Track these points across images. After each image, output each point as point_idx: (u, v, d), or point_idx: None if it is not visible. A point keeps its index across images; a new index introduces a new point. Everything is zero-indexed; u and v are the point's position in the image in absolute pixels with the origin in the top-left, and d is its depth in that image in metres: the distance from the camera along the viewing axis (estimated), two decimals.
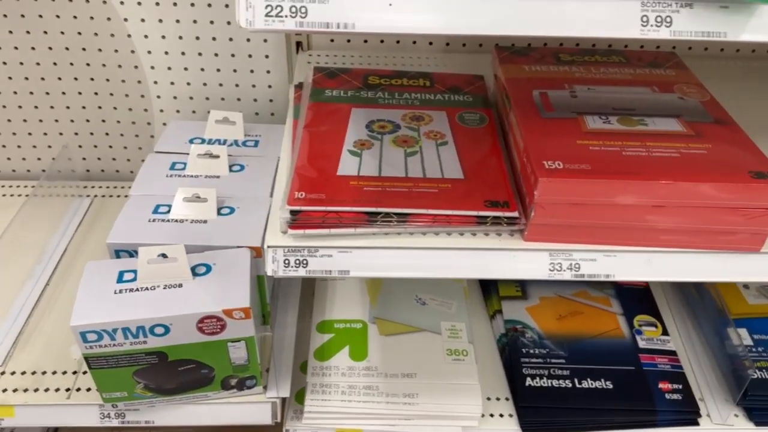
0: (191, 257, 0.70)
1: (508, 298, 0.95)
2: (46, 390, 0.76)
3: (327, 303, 0.92)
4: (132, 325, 0.66)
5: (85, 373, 0.78)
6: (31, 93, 1.03)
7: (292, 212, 0.60)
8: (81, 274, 0.70)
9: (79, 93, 1.03)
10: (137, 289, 0.69)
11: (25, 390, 0.76)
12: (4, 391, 0.76)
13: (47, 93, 1.03)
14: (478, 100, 0.80)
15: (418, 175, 0.66)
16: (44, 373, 0.78)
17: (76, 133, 1.07)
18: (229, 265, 0.71)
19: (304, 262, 0.60)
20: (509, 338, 0.89)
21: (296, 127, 0.74)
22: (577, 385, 0.83)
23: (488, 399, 0.83)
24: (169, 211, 0.78)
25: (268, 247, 0.60)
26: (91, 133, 1.08)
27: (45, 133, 1.07)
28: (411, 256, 0.61)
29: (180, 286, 0.69)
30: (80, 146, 1.09)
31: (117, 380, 0.71)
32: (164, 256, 0.69)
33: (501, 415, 0.82)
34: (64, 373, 0.78)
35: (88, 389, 0.76)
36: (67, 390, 0.76)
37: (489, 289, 0.98)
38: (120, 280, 0.70)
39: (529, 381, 0.83)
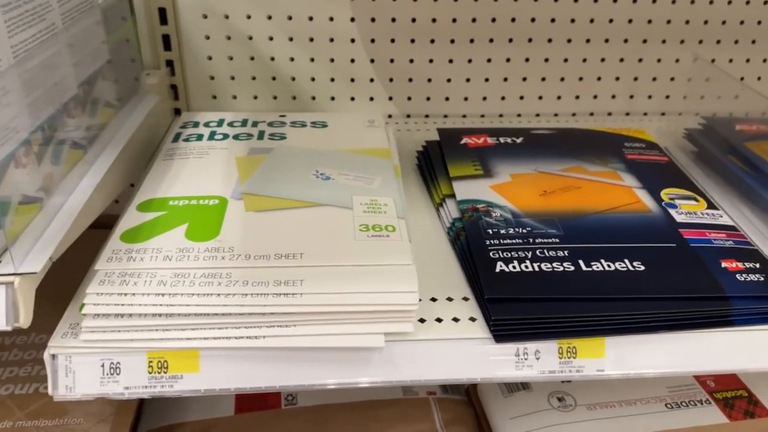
0: None
1: (463, 178, 0.61)
2: None
3: (165, 181, 0.56)
4: None
5: None
6: None
7: None
8: None
9: None
10: None
11: None
12: None
13: None
14: None
15: None
16: None
17: None
18: None
19: None
20: (466, 221, 0.54)
21: None
22: (584, 268, 0.48)
23: (433, 300, 0.48)
24: None
25: None
26: None
27: None
28: None
29: None
30: None
31: None
32: None
33: (456, 320, 0.46)
34: None
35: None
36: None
37: (434, 177, 0.64)
38: None
39: (501, 266, 0.48)
